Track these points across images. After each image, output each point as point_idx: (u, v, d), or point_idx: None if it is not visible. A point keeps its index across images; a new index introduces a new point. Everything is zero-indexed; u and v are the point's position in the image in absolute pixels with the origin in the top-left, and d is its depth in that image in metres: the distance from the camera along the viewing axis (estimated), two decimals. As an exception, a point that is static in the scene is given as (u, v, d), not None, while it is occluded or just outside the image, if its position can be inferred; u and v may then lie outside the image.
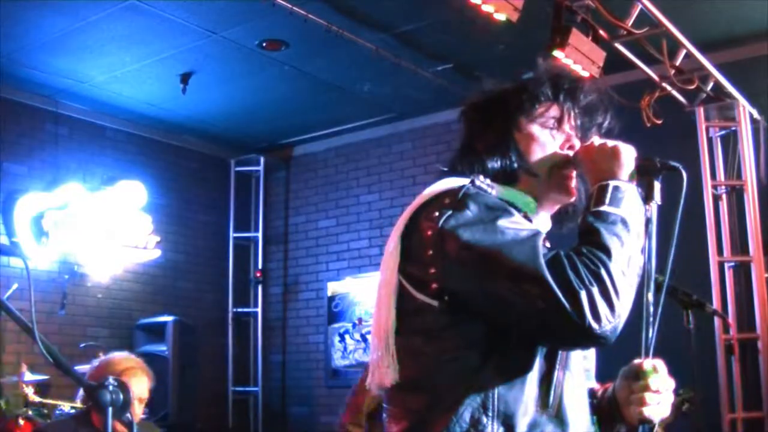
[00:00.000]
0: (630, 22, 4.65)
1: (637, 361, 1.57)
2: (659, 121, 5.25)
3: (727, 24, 5.47)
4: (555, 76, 1.72)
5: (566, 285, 1.38)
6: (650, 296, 1.56)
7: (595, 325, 1.37)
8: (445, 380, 1.48)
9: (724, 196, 5.76)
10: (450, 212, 1.50)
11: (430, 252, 1.50)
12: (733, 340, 5.39)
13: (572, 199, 1.70)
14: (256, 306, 8.25)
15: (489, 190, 1.58)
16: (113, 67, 6.19)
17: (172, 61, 6.08)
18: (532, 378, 1.49)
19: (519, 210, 1.57)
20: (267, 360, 8.14)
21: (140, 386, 3.26)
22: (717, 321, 5.27)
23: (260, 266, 8.27)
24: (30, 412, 4.91)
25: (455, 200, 1.52)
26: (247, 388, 8.07)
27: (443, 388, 1.48)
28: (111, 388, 1.72)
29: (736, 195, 5.74)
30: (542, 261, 1.41)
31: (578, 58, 4.46)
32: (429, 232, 1.51)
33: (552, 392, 1.50)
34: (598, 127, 1.75)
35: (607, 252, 1.43)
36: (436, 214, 1.51)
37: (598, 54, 4.66)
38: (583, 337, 1.41)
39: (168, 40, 5.72)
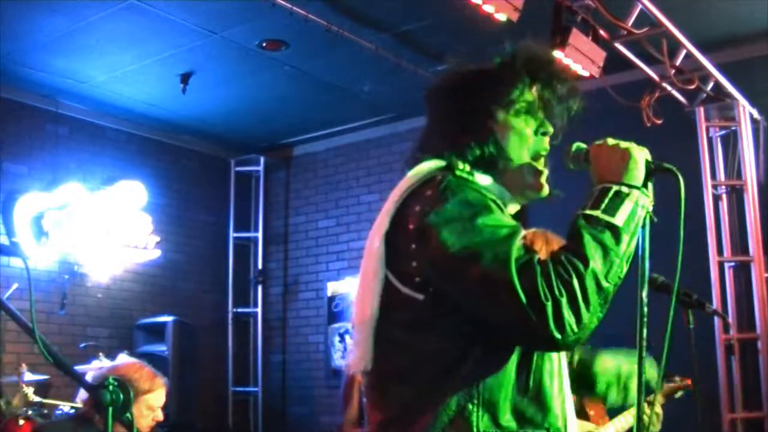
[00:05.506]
0: (630, 22, 4.65)
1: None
2: (659, 121, 5.25)
3: (727, 24, 5.46)
4: (527, 61, 1.72)
5: (534, 294, 1.39)
6: (644, 294, 1.56)
7: (558, 336, 1.39)
8: (430, 372, 1.51)
9: (724, 196, 5.76)
10: (430, 206, 1.52)
11: (413, 246, 1.53)
12: (733, 340, 5.39)
13: (542, 195, 1.69)
14: (256, 306, 8.25)
15: (469, 178, 1.59)
16: (113, 67, 6.19)
17: (172, 61, 6.07)
18: (512, 365, 1.52)
19: (497, 200, 1.58)
20: (267, 360, 8.14)
21: (161, 399, 3.20)
22: (717, 321, 5.27)
23: (260, 266, 8.28)
24: (30, 412, 4.90)
25: (436, 193, 1.53)
26: (247, 388, 8.07)
27: (429, 379, 1.51)
28: (111, 388, 1.71)
29: (736, 195, 5.74)
30: (514, 267, 1.41)
31: (578, 58, 4.46)
32: (411, 227, 1.53)
33: (531, 378, 1.53)
34: (568, 110, 1.74)
35: (585, 261, 1.42)
36: (418, 208, 1.54)
37: (598, 54, 4.66)
38: (545, 345, 1.47)
39: (168, 40, 5.72)
